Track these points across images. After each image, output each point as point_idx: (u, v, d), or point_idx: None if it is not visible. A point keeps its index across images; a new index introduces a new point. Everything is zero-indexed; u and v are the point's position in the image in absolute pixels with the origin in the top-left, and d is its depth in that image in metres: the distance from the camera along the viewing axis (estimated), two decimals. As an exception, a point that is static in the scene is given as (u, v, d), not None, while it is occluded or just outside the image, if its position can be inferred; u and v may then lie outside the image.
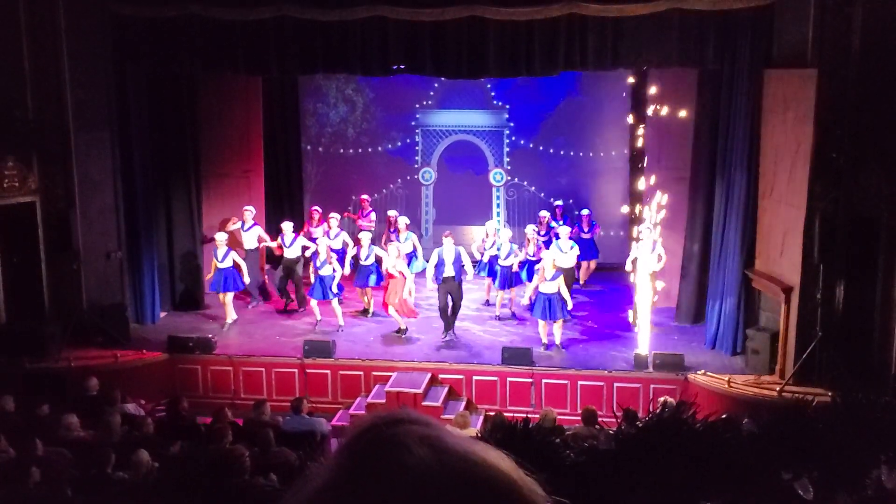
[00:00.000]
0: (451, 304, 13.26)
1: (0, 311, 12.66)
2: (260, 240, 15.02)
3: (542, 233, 15.19)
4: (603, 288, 16.14)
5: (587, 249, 15.85)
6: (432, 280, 13.29)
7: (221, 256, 13.91)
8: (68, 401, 10.43)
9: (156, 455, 8.15)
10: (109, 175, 13.60)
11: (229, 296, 14.11)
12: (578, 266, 15.98)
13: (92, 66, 13.12)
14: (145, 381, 12.40)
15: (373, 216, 16.50)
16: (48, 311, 13.18)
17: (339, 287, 13.81)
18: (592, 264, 16.15)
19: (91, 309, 13.36)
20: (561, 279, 12.80)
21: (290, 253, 14.60)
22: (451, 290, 13.18)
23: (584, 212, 16.03)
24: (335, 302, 13.76)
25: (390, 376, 12.40)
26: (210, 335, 13.32)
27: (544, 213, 15.89)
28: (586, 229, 15.88)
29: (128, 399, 10.89)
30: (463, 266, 13.30)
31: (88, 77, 13.09)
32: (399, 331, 13.66)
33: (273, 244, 14.95)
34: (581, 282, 16.00)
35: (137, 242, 14.04)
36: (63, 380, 11.74)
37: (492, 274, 14.67)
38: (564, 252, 13.96)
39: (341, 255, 14.63)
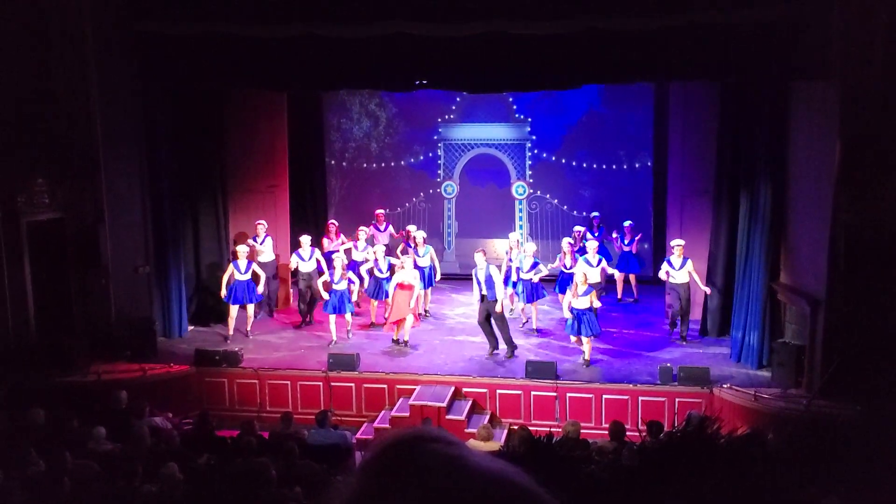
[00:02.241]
0: (486, 318, 13.21)
1: (30, 325, 12.81)
2: (275, 251, 15.16)
3: (577, 248, 15.07)
4: (631, 300, 16.10)
5: (628, 262, 15.81)
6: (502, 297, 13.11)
7: (244, 268, 14.05)
8: (97, 414, 10.53)
9: (183, 468, 8.21)
10: (137, 191, 13.78)
11: (251, 307, 14.24)
12: (625, 279, 15.95)
13: (119, 84, 13.31)
14: (173, 395, 12.50)
15: (391, 229, 16.58)
16: (77, 325, 13.32)
17: (348, 300, 13.83)
18: (632, 277, 16.08)
19: (119, 323, 13.51)
20: (593, 294, 12.79)
21: (307, 267, 14.68)
22: (489, 307, 13.12)
23: (627, 223, 15.94)
24: (333, 317, 13.75)
25: (414, 389, 12.42)
26: (237, 348, 13.41)
27: (579, 228, 15.82)
28: (627, 241, 15.82)
29: (155, 412, 10.98)
30: (494, 285, 13.21)
31: (116, 94, 13.28)
32: (405, 343, 13.64)
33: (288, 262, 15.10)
34: (632, 296, 15.97)
35: (165, 257, 14.20)
36: (92, 393, 11.85)
37: (514, 286, 14.68)
38: (592, 266, 13.96)
39: (360, 266, 14.77)
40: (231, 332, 14.24)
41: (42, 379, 12.11)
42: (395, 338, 13.73)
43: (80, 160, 13.12)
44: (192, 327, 14.88)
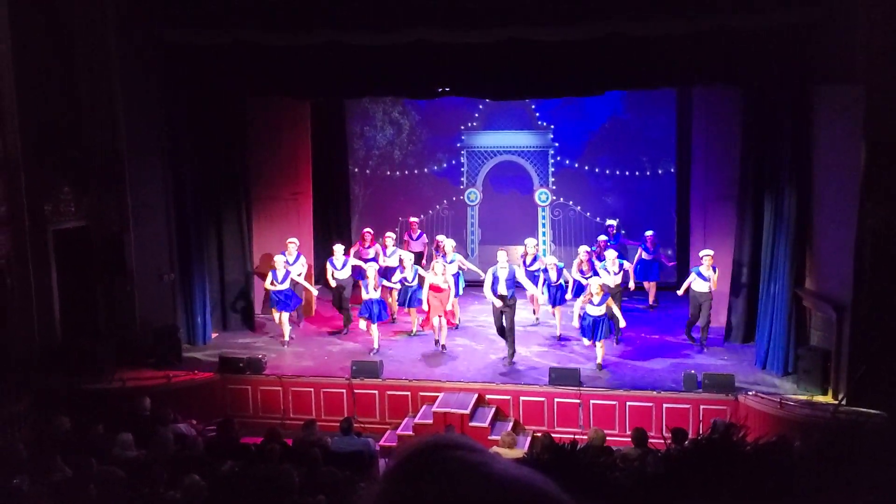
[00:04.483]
0: (504, 322, 13.21)
1: (56, 332, 12.93)
2: (305, 268, 15.14)
3: (600, 258, 14.99)
4: (656, 305, 16.04)
5: (649, 270, 15.77)
6: (494, 298, 13.08)
7: (281, 278, 14.15)
8: (122, 421, 10.60)
9: (206, 475, 8.25)
10: (162, 199, 13.90)
11: (286, 315, 14.35)
12: (645, 287, 15.95)
13: (144, 93, 13.44)
14: (197, 401, 12.56)
15: (424, 238, 16.62)
16: (102, 332, 13.44)
17: (384, 308, 13.92)
18: (653, 285, 16.04)
19: (144, 330, 13.61)
20: (609, 301, 12.77)
21: (341, 275, 14.75)
22: (506, 307, 13.14)
23: (648, 233, 15.85)
24: (374, 326, 13.86)
25: (437, 396, 12.41)
26: (260, 355, 13.46)
27: (602, 238, 15.77)
28: (651, 250, 15.76)
29: (179, 419, 11.04)
30: (518, 284, 13.27)
31: (141, 103, 13.40)
32: (443, 347, 13.77)
33: (312, 287, 15.13)
34: (650, 302, 15.96)
35: (189, 264, 14.29)
36: (116, 400, 11.94)
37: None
38: (610, 274, 13.92)
39: (395, 272, 14.82)
40: (287, 338, 14.36)
41: (67, 385, 12.21)
42: (436, 339, 13.84)
43: (106, 169, 13.25)
44: (215, 334, 14.97)
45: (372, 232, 16.09)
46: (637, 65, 12.69)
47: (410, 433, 11.82)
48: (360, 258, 15.28)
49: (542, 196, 18.05)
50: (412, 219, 16.92)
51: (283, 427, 11.49)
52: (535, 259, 14.66)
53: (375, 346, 13.90)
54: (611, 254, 14.34)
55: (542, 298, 14.78)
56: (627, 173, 17.55)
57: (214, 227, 15.05)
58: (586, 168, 17.76)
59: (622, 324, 13.17)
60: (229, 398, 13.00)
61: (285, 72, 13.58)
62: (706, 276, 13.44)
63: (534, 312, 15.31)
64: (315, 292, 14.96)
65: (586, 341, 13.09)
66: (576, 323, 13.08)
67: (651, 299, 16.04)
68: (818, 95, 12.03)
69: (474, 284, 15.82)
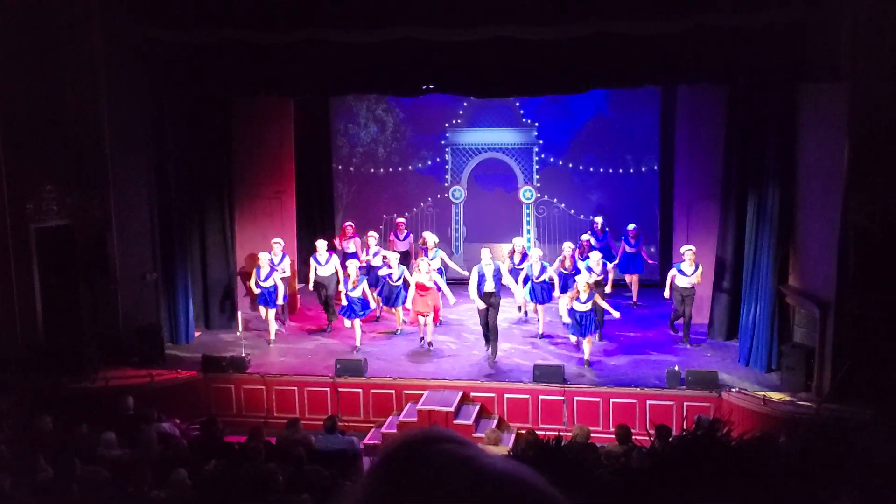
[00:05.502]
0: (488, 321, 13.22)
1: (38, 331, 12.84)
2: (291, 269, 15.09)
3: (583, 256, 15.00)
4: (639, 303, 16.09)
5: (632, 263, 15.82)
6: (478, 298, 13.11)
7: (265, 276, 14.13)
8: (105, 420, 10.53)
9: (191, 474, 8.21)
10: (145, 198, 13.82)
11: (272, 312, 14.36)
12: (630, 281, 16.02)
13: (129, 91, 13.34)
14: (180, 400, 12.50)
15: (411, 238, 16.56)
16: (85, 331, 13.34)
17: (366, 304, 13.91)
18: (635, 279, 16.09)
19: (127, 329, 13.53)
20: (595, 297, 12.82)
21: (324, 271, 14.72)
22: (490, 305, 13.15)
23: (630, 226, 15.91)
24: (357, 322, 13.88)
25: (422, 394, 12.40)
26: (244, 354, 13.42)
27: (586, 237, 15.77)
28: (632, 243, 15.81)
29: (163, 418, 10.99)
30: (502, 281, 13.29)
31: (125, 101, 13.31)
32: (430, 345, 13.81)
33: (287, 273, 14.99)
34: (633, 299, 16.02)
35: (172, 263, 14.22)
36: (100, 399, 11.86)
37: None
38: (592, 275, 13.97)
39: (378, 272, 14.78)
40: (272, 336, 14.38)
41: (50, 385, 12.11)
42: (421, 336, 13.90)
43: (89, 167, 13.16)
44: (198, 333, 14.91)
45: (353, 225, 16.07)
46: (622, 63, 12.71)
47: (395, 431, 11.81)
48: (342, 251, 15.27)
49: (527, 193, 18.08)
50: (399, 219, 16.86)
51: (267, 426, 11.46)
52: (524, 257, 14.66)
53: (357, 343, 13.89)
54: (595, 255, 14.37)
55: (523, 296, 14.74)
56: (611, 171, 17.60)
57: (198, 226, 14.98)
58: (570, 165, 17.81)
59: (615, 315, 13.11)
60: (213, 397, 12.95)
61: (270, 70, 13.53)
62: (686, 272, 13.53)
63: (519, 309, 15.35)
64: (281, 302, 14.62)
65: (573, 338, 13.15)
66: (566, 318, 13.06)
67: (634, 296, 16.08)
68: (803, 93, 12.09)
69: (458, 282, 15.82)
